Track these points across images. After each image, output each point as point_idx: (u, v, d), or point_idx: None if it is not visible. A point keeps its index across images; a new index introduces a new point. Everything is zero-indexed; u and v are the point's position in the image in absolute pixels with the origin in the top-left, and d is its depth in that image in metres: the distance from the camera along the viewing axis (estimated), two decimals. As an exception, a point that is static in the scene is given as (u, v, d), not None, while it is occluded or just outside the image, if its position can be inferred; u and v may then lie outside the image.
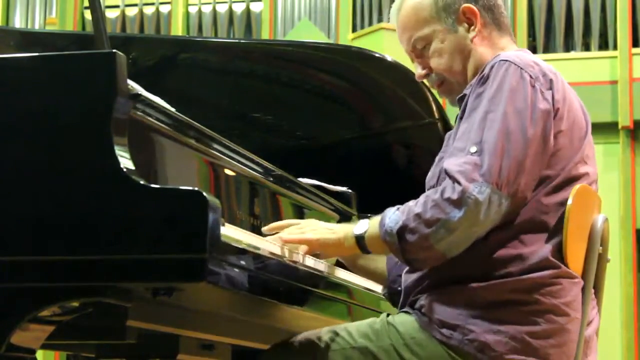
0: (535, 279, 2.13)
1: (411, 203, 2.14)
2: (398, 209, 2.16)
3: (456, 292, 2.16)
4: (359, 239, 2.24)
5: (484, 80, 2.19)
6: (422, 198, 2.12)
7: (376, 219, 2.20)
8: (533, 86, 2.16)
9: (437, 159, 2.30)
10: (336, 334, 2.24)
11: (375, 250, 2.25)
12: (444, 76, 2.37)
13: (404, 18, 2.39)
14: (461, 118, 2.22)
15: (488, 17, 2.36)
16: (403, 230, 2.11)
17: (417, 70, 2.42)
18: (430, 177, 2.28)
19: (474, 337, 2.11)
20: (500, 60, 2.20)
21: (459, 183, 2.06)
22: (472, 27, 2.33)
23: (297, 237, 2.29)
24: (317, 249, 2.31)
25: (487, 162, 2.07)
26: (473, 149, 2.10)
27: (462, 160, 2.09)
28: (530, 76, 2.17)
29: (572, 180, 2.20)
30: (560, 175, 2.18)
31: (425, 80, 2.42)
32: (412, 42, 2.38)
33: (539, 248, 2.14)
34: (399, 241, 2.12)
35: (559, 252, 2.16)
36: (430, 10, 2.34)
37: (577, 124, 2.24)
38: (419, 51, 2.38)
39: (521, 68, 2.17)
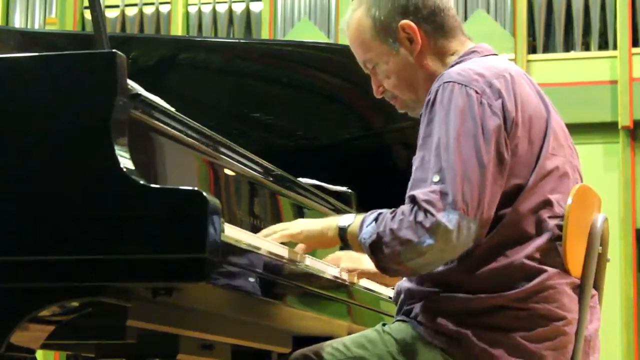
0: (525, 289, 2.12)
1: (388, 215, 2.13)
2: (376, 218, 2.14)
3: (449, 300, 2.16)
4: (342, 231, 2.24)
5: (431, 105, 2.16)
6: (399, 214, 2.11)
7: (360, 217, 2.21)
8: (480, 102, 2.12)
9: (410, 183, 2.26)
10: (333, 347, 2.23)
11: (354, 248, 2.24)
12: (396, 94, 2.36)
13: (350, 39, 2.37)
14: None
15: (429, 27, 2.30)
16: (376, 243, 2.11)
17: (373, 87, 2.39)
18: None
19: (469, 343, 2.11)
20: (444, 83, 2.15)
21: (430, 213, 2.04)
22: (413, 43, 2.29)
23: (282, 234, 2.30)
24: (302, 240, 2.31)
25: (451, 190, 2.05)
26: (435, 178, 2.08)
27: (427, 190, 2.07)
28: (476, 91, 2.13)
29: (540, 179, 2.17)
30: (529, 179, 2.16)
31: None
32: (362, 63, 2.37)
33: (524, 257, 2.13)
34: (371, 252, 2.14)
35: (546, 254, 2.15)
36: (371, 33, 2.31)
37: (535, 119, 2.20)
38: (371, 70, 2.37)
39: (465, 86, 2.13)
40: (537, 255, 2.14)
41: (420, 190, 2.08)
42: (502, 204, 2.13)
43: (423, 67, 2.30)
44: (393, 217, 2.11)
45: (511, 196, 2.14)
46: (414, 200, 2.08)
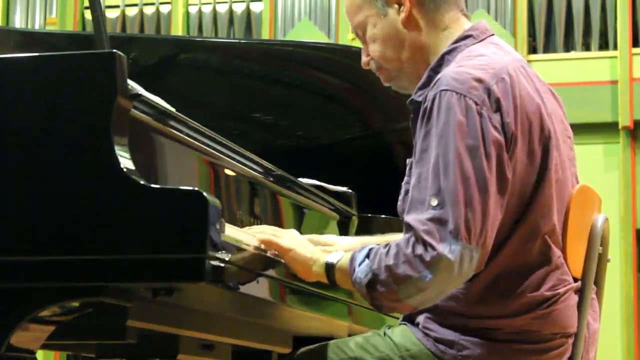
0: (531, 315, 2.08)
1: (382, 250, 2.01)
2: (368, 255, 2.03)
3: (453, 315, 2.12)
4: (329, 267, 2.11)
5: (428, 116, 2.03)
6: (393, 248, 2.00)
7: (348, 254, 2.09)
8: (480, 114, 1.99)
9: (403, 188, 2.20)
10: (337, 346, 2.22)
11: (343, 285, 2.12)
12: (380, 63, 2.26)
13: (345, 4, 2.31)
14: (414, 156, 2.09)
15: None
16: (373, 282, 2.00)
17: (362, 57, 2.30)
18: (401, 210, 2.16)
19: (469, 353, 2.09)
20: (441, 90, 2.02)
21: (431, 246, 1.93)
22: (402, 7, 2.19)
23: (271, 239, 2.16)
24: (287, 259, 2.16)
25: (452, 217, 1.94)
26: (434, 202, 1.96)
27: (425, 217, 1.96)
28: (476, 102, 2.00)
29: (544, 202, 2.07)
30: (531, 202, 2.06)
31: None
32: (354, 30, 2.30)
33: (529, 290, 2.08)
34: (367, 291, 2.02)
35: (553, 279, 2.10)
36: None
37: (535, 128, 2.08)
38: (362, 37, 2.28)
39: (464, 95, 2.00)
40: (543, 285, 2.09)
41: (418, 216, 1.97)
42: (502, 231, 2.04)
43: (410, 36, 2.20)
44: (387, 251, 2.00)
45: (512, 223, 2.06)
46: (410, 229, 1.98)
